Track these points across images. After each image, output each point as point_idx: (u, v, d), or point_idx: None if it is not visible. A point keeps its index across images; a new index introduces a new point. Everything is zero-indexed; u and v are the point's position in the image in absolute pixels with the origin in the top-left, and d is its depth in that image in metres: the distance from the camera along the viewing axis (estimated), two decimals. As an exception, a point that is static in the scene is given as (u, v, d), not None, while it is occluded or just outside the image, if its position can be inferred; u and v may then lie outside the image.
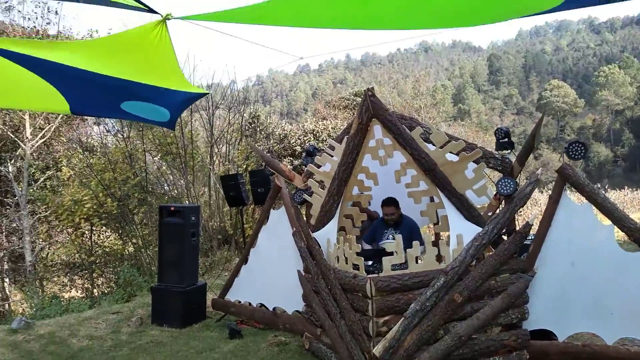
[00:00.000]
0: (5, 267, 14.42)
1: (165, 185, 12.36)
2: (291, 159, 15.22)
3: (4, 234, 13.93)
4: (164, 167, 12.52)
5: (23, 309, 12.36)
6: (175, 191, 11.95)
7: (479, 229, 3.91)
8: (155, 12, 3.56)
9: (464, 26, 3.95)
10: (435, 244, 3.98)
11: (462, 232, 3.94)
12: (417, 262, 3.86)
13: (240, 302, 5.82)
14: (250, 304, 5.72)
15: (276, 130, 15.88)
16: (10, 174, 12.86)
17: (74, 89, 4.67)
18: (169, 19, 3.69)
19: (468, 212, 4.17)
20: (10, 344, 5.35)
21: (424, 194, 4.76)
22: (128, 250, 11.71)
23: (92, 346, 5.37)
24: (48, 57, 3.94)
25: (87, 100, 5.19)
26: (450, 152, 4.14)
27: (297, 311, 5.02)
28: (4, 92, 4.90)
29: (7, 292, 14.41)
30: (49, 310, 7.96)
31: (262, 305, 5.57)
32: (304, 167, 5.71)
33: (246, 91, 14.81)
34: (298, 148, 15.48)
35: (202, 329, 5.87)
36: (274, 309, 5.36)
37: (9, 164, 12.98)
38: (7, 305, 13.88)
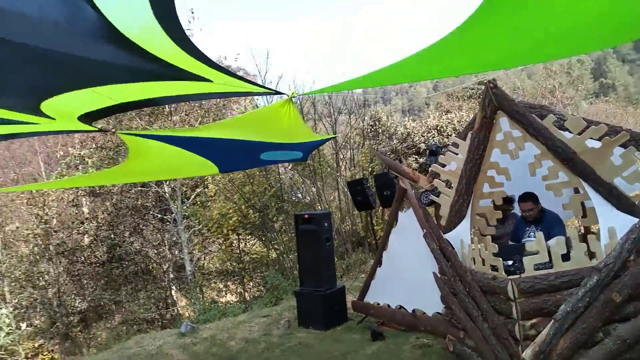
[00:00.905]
0: (171, 276, 16.56)
1: (299, 193, 13.09)
2: (416, 157, 14.98)
3: (167, 247, 16.01)
4: (296, 177, 13.27)
5: (188, 313, 14.07)
6: (308, 198, 12.59)
7: (635, 220, 3.49)
8: (282, 93, 4.20)
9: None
10: (584, 239, 3.65)
11: (614, 224, 3.56)
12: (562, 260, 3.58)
13: (379, 304, 5.94)
14: (389, 305, 5.81)
15: (398, 129, 15.75)
16: (167, 194, 14.74)
17: (221, 155, 5.67)
18: (294, 97, 4.38)
19: (619, 201, 3.74)
20: (180, 347, 6.19)
21: (564, 185, 4.37)
22: (271, 256, 12.66)
23: (248, 348, 5.95)
24: (200, 134, 4.91)
25: (232, 160, 6.41)
26: (591, 138, 3.77)
27: (437, 313, 4.98)
28: (167, 168, 6.35)
29: (175, 299, 16.55)
30: (209, 315, 8.98)
31: (400, 307, 5.63)
32: (428, 165, 5.64)
33: (366, 93, 14.98)
34: (422, 145, 15.16)
35: (345, 331, 6.14)
36: (414, 310, 5.38)
37: (165, 186, 14.88)
38: (175, 310, 15.95)
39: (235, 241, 14.50)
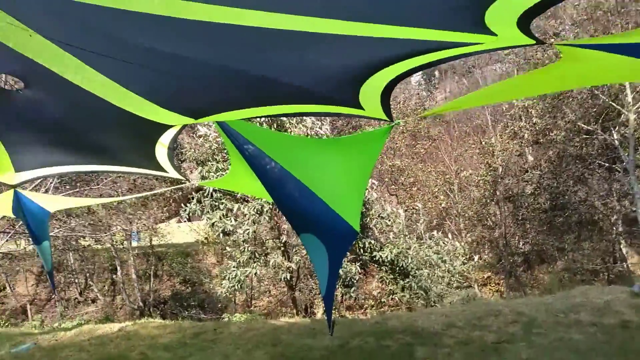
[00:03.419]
0: (620, 229, 15.18)
1: None
2: None
3: (615, 198, 14.69)
4: None
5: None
6: None
7: None
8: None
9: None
10: None
11: None
12: None
13: None
14: None
15: None
16: (616, 141, 13.40)
17: None
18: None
19: None
20: (631, 306, 5.77)
21: None
22: None
23: None
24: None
25: None
26: None
27: None
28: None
29: (624, 254, 15.15)
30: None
31: None
32: None
33: None
34: None
35: None
36: None
37: (613, 132, 13.55)
38: (625, 265, 14.63)
39: None
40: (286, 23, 2.02)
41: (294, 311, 13.19)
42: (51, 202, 5.24)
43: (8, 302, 17.16)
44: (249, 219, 10.19)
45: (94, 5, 2.07)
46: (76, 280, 19.09)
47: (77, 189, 13.39)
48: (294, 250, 11.20)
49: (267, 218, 10.29)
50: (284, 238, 10.92)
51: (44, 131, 3.61)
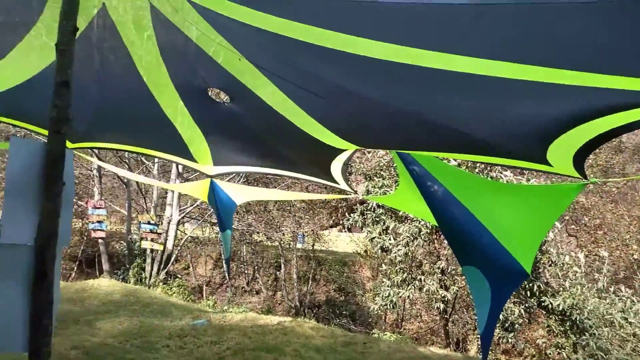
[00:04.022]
0: None
1: None
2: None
3: None
4: None
5: None
6: None
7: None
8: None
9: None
10: None
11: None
12: None
13: None
14: None
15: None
16: None
17: None
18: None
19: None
20: None
21: None
22: None
23: None
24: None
25: None
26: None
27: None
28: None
29: None
30: None
31: None
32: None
33: None
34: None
35: None
36: None
37: None
38: None
39: None
40: (475, 67, 1.84)
41: (445, 342, 12.53)
42: (239, 195, 5.91)
43: (189, 280, 19.85)
44: (403, 240, 10.05)
45: (294, 39, 2.24)
46: (245, 271, 21.16)
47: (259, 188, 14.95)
48: (452, 279, 10.65)
49: (421, 241, 10.01)
50: (442, 264, 10.46)
51: (240, 137, 4.10)
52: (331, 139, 3.32)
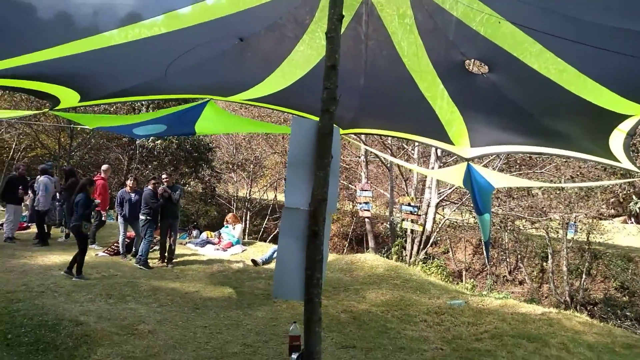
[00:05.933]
0: None
1: None
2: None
3: None
4: None
5: None
6: None
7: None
8: None
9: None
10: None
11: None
12: None
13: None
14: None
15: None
16: None
17: None
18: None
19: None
20: None
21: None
22: None
23: None
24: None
25: None
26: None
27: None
28: None
29: None
30: None
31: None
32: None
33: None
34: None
35: None
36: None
37: None
38: None
39: None
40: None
41: None
42: (497, 179, 5.61)
43: (449, 265, 19.90)
44: None
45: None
46: (507, 260, 19.98)
47: (521, 172, 13.81)
48: None
49: None
50: None
51: (501, 112, 3.85)
52: (611, 101, 2.80)
